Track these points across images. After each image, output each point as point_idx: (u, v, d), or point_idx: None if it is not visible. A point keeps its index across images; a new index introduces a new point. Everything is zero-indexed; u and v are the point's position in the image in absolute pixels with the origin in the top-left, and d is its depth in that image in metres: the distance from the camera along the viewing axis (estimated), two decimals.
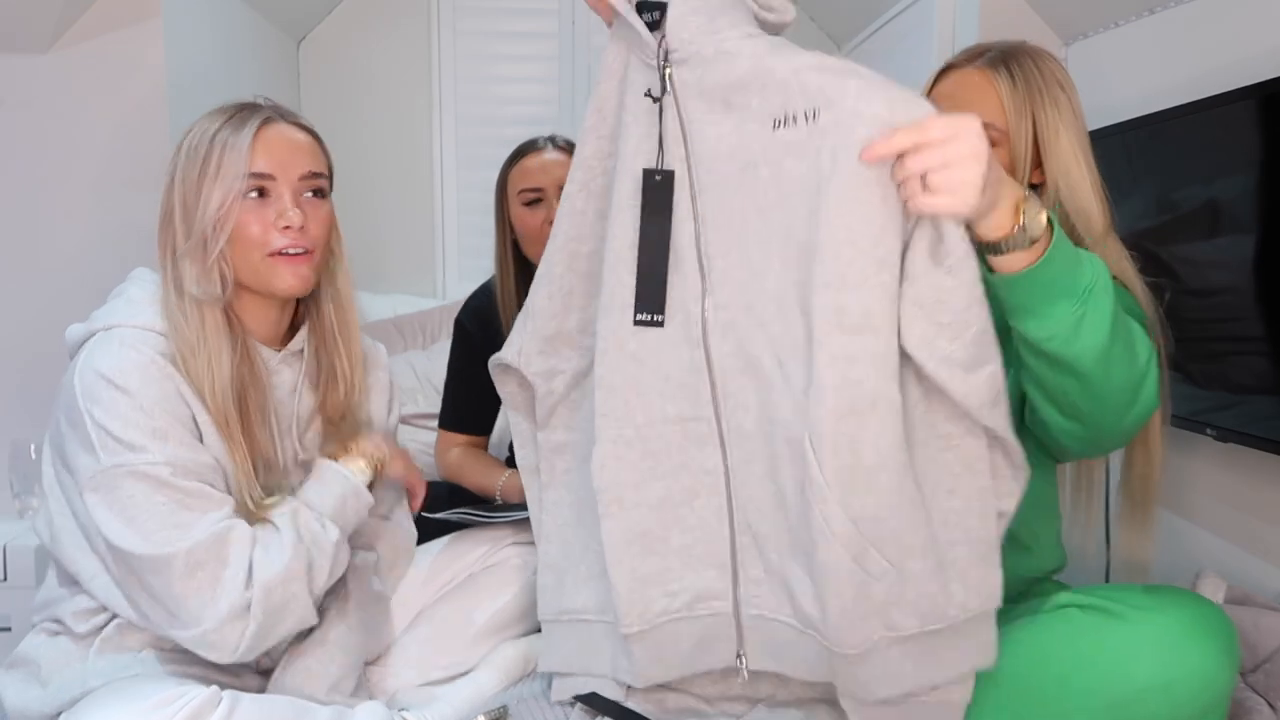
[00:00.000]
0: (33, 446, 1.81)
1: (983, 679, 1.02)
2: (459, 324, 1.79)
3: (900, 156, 0.85)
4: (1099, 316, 0.91)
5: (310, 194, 1.18)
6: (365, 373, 1.30)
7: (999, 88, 1.12)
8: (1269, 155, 1.25)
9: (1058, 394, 0.98)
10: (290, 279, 1.15)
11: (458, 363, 1.78)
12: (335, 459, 1.20)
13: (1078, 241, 1.13)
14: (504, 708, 1.23)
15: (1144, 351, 0.97)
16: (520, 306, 1.66)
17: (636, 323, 1.01)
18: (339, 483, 1.17)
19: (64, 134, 1.87)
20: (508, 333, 1.66)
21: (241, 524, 1.07)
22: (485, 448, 1.82)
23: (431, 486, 1.78)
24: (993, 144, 1.09)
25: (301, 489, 1.16)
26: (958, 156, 0.83)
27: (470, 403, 1.76)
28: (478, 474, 1.67)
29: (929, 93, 1.18)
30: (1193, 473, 1.58)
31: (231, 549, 1.04)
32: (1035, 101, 1.12)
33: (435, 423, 2.26)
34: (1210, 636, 0.93)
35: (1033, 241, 0.89)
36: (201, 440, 1.10)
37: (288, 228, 1.13)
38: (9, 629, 1.71)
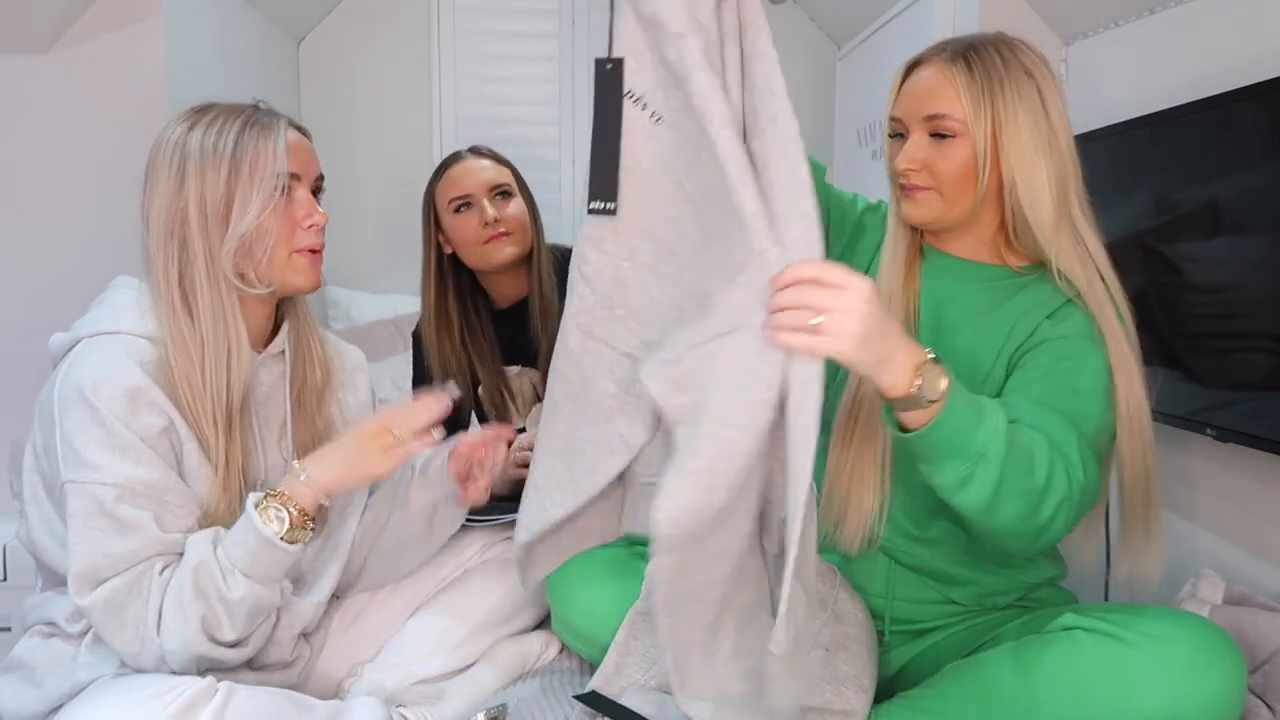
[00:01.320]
0: None
1: (985, 701, 1.01)
2: (416, 336, 1.81)
3: (787, 287, 0.86)
4: (985, 480, 0.94)
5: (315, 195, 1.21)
6: (345, 376, 1.31)
7: (956, 80, 1.11)
8: (1269, 154, 1.25)
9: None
10: (313, 275, 1.18)
11: (421, 375, 1.79)
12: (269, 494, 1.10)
13: (1029, 235, 1.13)
14: (503, 706, 1.23)
15: (1050, 504, 0.98)
16: (457, 322, 1.69)
17: (591, 211, 0.99)
18: (250, 534, 1.06)
19: (64, 134, 1.87)
20: (433, 350, 1.70)
21: (157, 566, 1.06)
22: None
23: None
24: (952, 135, 1.11)
25: (227, 535, 1.09)
26: (844, 305, 0.85)
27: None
28: None
29: (898, 90, 1.18)
30: (1193, 473, 1.58)
31: (150, 595, 1.04)
32: (994, 91, 1.10)
33: None
34: (1220, 669, 0.92)
35: (930, 403, 0.92)
36: (180, 453, 1.09)
37: (312, 226, 1.16)
38: (9, 629, 1.71)
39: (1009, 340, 1.14)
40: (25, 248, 1.89)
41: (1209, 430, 1.40)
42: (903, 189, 1.17)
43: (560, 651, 1.41)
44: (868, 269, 1.28)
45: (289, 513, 1.06)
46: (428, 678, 1.29)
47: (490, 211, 1.65)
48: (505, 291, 1.74)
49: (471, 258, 1.69)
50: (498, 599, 1.37)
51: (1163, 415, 1.48)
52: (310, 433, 1.24)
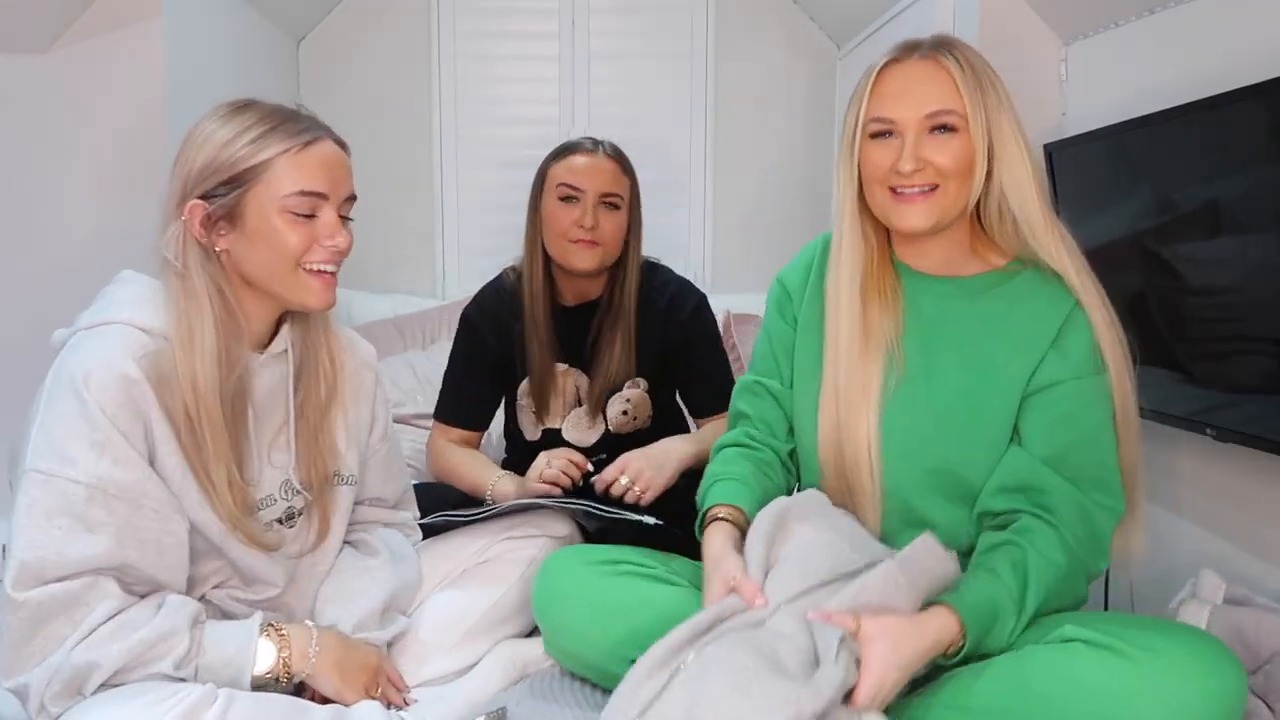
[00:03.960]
0: None
1: (982, 711, 1.00)
2: (466, 318, 1.76)
3: None
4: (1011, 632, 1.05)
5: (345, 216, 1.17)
6: (350, 373, 1.28)
7: (952, 72, 1.11)
8: (1269, 155, 1.25)
9: None
10: (324, 295, 1.14)
11: (463, 358, 1.76)
12: (276, 631, 1.10)
13: (1015, 233, 1.15)
14: (503, 709, 1.23)
15: (1084, 582, 1.12)
16: (545, 297, 1.68)
17: None
18: (232, 646, 1.05)
19: (64, 134, 1.87)
20: (528, 322, 1.67)
21: (106, 601, 1.00)
22: (479, 444, 1.82)
23: (428, 489, 1.78)
24: (953, 129, 1.10)
25: (212, 625, 1.07)
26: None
27: (470, 397, 1.75)
28: (472, 473, 1.67)
29: (870, 93, 1.15)
30: (1193, 473, 1.58)
31: (83, 620, 0.99)
32: (984, 86, 1.11)
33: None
34: (1217, 679, 0.93)
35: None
36: (153, 456, 1.06)
37: (331, 247, 1.13)
38: None
39: (1015, 373, 1.15)
40: (25, 247, 1.89)
41: (1209, 430, 1.40)
42: (896, 195, 1.13)
43: None
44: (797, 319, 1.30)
45: (280, 660, 1.08)
46: (426, 680, 1.28)
47: (590, 217, 1.61)
48: (575, 289, 1.72)
49: (553, 247, 1.66)
50: (495, 599, 1.35)
51: (1163, 416, 1.48)
52: (311, 448, 1.22)
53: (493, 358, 1.72)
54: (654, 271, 1.75)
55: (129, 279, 1.16)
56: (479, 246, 2.96)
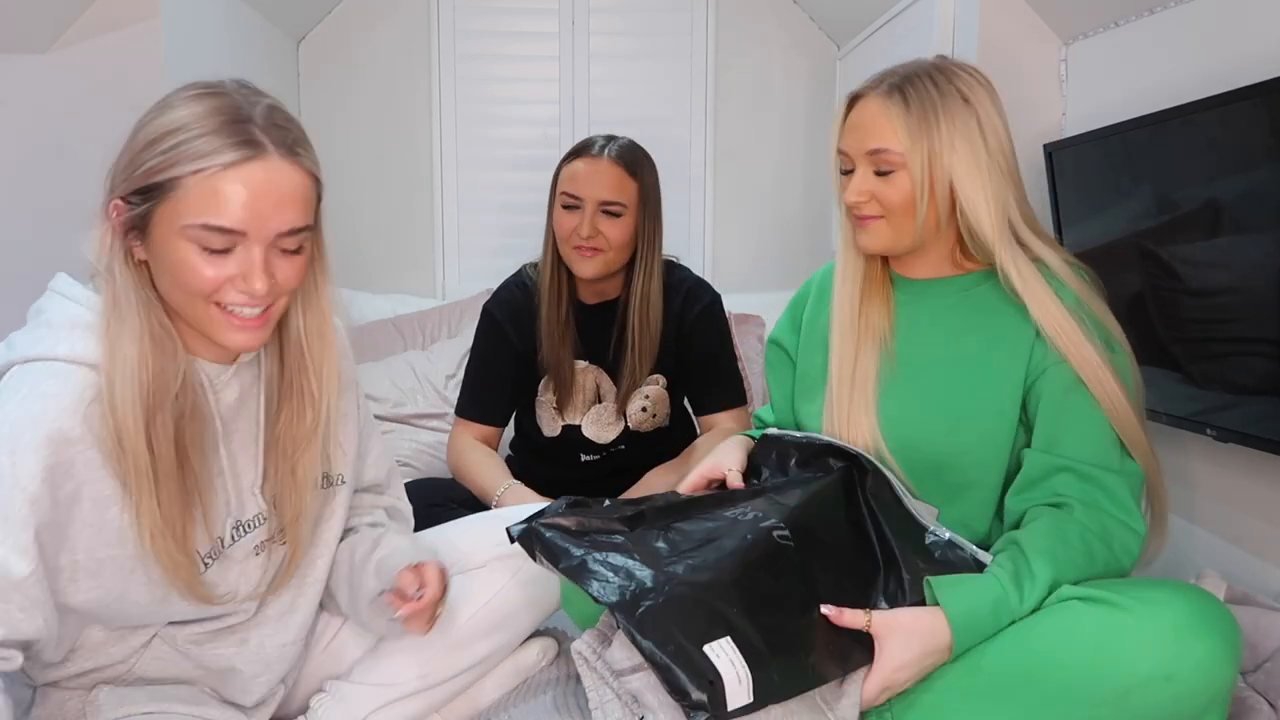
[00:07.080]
0: None
1: (987, 670, 1.02)
2: (488, 312, 1.77)
3: None
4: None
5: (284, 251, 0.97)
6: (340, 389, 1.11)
7: (893, 114, 1.17)
8: (1269, 155, 1.25)
9: None
10: (236, 336, 0.96)
11: (483, 351, 1.76)
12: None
13: (980, 246, 1.21)
14: None
15: (1114, 559, 1.10)
16: (559, 296, 1.68)
17: None
18: None
19: (64, 134, 1.87)
20: (544, 318, 1.68)
21: None
22: (498, 441, 1.82)
23: (428, 484, 1.77)
24: (893, 168, 1.17)
25: None
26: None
27: (491, 393, 1.76)
28: (482, 476, 1.67)
29: (843, 123, 1.23)
30: (1193, 473, 1.58)
31: None
32: (930, 123, 1.16)
33: (435, 423, 2.27)
34: (1213, 630, 0.94)
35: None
36: (75, 523, 0.92)
37: (244, 291, 0.94)
38: None
39: (1004, 365, 1.20)
40: (24, 248, 1.88)
41: (1209, 430, 1.40)
42: (856, 219, 1.23)
43: (557, 656, 1.38)
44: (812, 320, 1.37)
45: None
46: (411, 692, 1.21)
47: (588, 228, 1.62)
48: (593, 289, 1.73)
49: (560, 251, 1.68)
50: (479, 608, 1.26)
51: (1163, 415, 1.48)
52: (288, 481, 1.06)
53: (514, 352, 1.73)
54: (671, 270, 1.77)
55: (64, 289, 1.01)
56: (479, 246, 2.96)
